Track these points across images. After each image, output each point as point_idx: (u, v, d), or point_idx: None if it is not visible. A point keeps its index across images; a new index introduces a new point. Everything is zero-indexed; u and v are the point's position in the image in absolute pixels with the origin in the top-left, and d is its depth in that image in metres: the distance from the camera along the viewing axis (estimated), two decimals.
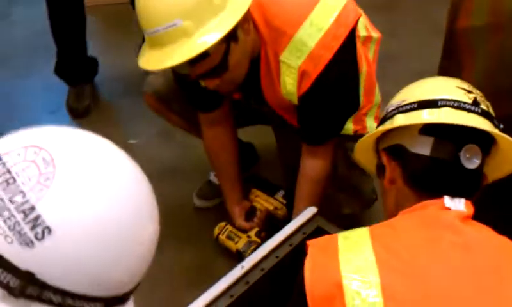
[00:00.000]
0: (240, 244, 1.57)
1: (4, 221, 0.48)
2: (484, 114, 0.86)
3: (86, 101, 2.25)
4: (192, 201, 1.83)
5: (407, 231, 0.79)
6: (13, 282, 0.47)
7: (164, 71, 1.58)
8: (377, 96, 1.58)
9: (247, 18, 1.20)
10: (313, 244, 0.83)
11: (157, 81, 1.61)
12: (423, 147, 0.86)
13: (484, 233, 0.79)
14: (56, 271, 0.48)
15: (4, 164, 0.50)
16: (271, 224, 1.64)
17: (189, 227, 1.76)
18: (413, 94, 0.91)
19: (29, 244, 0.47)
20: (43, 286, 0.48)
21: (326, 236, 0.86)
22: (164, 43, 1.14)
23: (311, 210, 1.35)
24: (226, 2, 1.15)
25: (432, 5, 2.61)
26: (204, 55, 1.15)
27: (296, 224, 1.31)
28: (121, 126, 2.24)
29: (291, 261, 1.27)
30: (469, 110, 0.85)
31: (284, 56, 1.25)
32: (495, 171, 0.92)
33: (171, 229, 1.75)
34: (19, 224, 0.48)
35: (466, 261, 0.75)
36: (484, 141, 0.86)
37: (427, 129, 0.86)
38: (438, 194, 0.83)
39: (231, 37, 1.18)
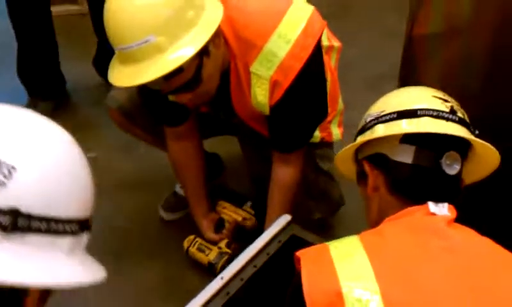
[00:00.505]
0: (212, 255, 1.57)
1: None
2: (461, 121, 0.91)
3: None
4: (158, 213, 1.82)
5: (396, 239, 0.82)
6: (3, 220, 0.58)
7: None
8: (340, 104, 1.63)
9: (218, 32, 1.22)
10: (305, 256, 0.83)
11: (121, 96, 1.59)
12: (405, 155, 0.90)
13: (468, 236, 0.84)
14: (33, 200, 0.60)
15: None
16: (240, 235, 1.65)
17: (156, 241, 1.74)
18: (391, 104, 0.95)
19: (1, 184, 0.59)
20: (29, 217, 0.60)
21: (316, 247, 0.87)
22: (137, 59, 1.14)
23: (285, 218, 1.37)
24: (198, 18, 1.16)
25: (382, 11, 2.73)
26: (178, 70, 1.16)
27: (272, 232, 1.33)
28: (79, 138, 2.16)
29: (268, 270, 1.30)
30: (447, 119, 0.89)
31: (254, 67, 1.27)
32: (472, 175, 0.97)
33: (137, 243, 1.74)
34: None
35: (454, 263, 0.78)
36: (462, 147, 0.91)
37: (408, 138, 0.90)
38: (422, 201, 0.87)
39: (204, 52, 1.19)
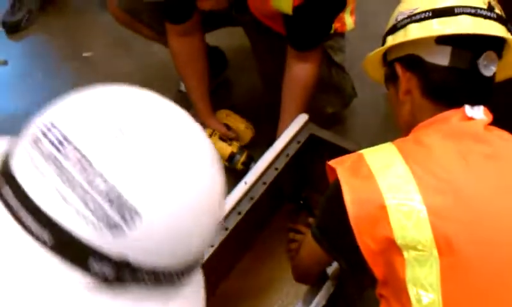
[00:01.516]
0: (234, 147, 1.56)
1: (90, 210, 0.46)
2: (499, 18, 0.87)
3: (19, 14, 2.07)
4: None
5: (435, 146, 0.81)
6: (108, 271, 0.47)
7: None
8: None
9: None
10: (342, 167, 0.83)
11: None
12: (441, 57, 0.86)
13: (509, 140, 0.84)
14: (148, 252, 0.48)
15: (74, 146, 0.47)
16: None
17: None
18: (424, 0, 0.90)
19: (118, 229, 0.46)
20: (138, 269, 0.48)
21: (351, 157, 0.87)
22: None
23: (303, 117, 1.37)
24: None
25: None
26: None
27: (290, 133, 1.33)
28: (73, 37, 2.09)
29: (288, 172, 1.31)
30: (485, 17, 0.86)
31: None
32: (502, 72, 0.94)
33: None
34: (105, 211, 0.46)
35: (499, 171, 0.79)
36: (499, 46, 0.88)
37: (444, 38, 0.86)
38: (457, 104, 0.86)
39: None
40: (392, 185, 0.77)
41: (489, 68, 0.86)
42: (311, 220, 1.44)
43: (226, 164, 1.56)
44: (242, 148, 1.57)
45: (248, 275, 1.37)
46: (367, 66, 1.04)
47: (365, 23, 1.61)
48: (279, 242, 1.43)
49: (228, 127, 1.62)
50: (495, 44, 0.87)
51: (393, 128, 1.62)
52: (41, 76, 1.95)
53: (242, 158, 1.55)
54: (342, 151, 1.30)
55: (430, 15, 0.88)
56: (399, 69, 0.92)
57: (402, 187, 0.77)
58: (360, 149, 1.28)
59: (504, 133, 0.85)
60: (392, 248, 0.76)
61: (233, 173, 1.55)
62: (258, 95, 1.77)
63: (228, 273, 1.35)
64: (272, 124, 1.54)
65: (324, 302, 1.05)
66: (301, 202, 1.50)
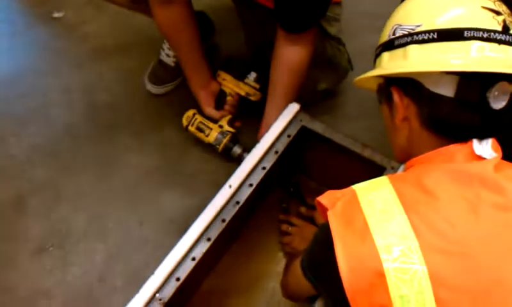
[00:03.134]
0: (212, 136, 1.49)
1: None
2: None
3: None
4: (144, 85, 1.69)
5: (441, 193, 0.72)
6: None
7: None
8: None
9: None
10: (333, 212, 0.75)
11: None
12: (446, 87, 0.76)
13: None
14: None
15: None
16: (245, 107, 1.56)
17: (147, 118, 1.64)
18: (428, 14, 0.79)
19: None
20: None
21: (344, 193, 0.78)
22: None
23: (293, 107, 1.28)
24: None
25: None
26: None
27: (280, 126, 1.25)
28: None
29: (276, 170, 1.24)
30: (500, 42, 0.75)
31: None
32: None
33: (126, 120, 1.63)
34: None
35: None
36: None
37: None
38: (462, 138, 0.77)
39: None
40: (391, 245, 0.69)
41: (499, 100, 0.76)
42: (303, 209, 1.39)
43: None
44: (222, 134, 1.48)
45: (234, 270, 1.33)
46: (357, 84, 0.94)
47: None
48: (267, 232, 1.39)
49: (224, 94, 1.53)
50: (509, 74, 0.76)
51: None
52: (8, 41, 1.82)
53: (222, 145, 1.48)
54: (332, 145, 1.25)
55: (435, 37, 0.77)
56: (395, 94, 0.83)
57: (401, 247, 0.69)
58: (355, 145, 1.23)
59: None
60: None
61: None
62: (247, 60, 1.66)
63: (212, 268, 1.31)
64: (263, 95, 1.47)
65: None
66: (291, 189, 1.44)
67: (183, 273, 1.06)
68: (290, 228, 1.36)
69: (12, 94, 1.68)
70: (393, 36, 0.83)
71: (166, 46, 1.67)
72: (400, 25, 0.82)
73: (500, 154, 0.78)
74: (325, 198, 0.80)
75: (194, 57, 1.49)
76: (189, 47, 1.48)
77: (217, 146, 1.49)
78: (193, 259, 1.08)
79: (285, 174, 1.43)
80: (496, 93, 0.76)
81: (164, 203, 1.47)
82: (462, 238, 0.69)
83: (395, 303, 0.68)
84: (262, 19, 1.42)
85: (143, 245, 1.39)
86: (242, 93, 1.52)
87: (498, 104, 0.76)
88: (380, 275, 0.69)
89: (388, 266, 0.68)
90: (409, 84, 0.80)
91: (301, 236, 1.32)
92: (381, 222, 0.72)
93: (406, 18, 0.82)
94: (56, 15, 1.86)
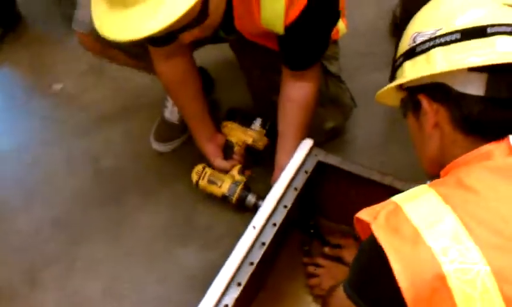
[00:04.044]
0: (225, 187, 1.47)
1: None
2: None
3: None
4: (150, 145, 1.69)
5: (487, 191, 0.72)
6: None
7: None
8: None
9: None
10: (376, 224, 0.74)
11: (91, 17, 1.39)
12: (475, 86, 0.77)
13: None
14: None
15: None
16: (253, 156, 1.56)
17: (157, 176, 1.63)
18: (447, 17, 0.81)
19: None
20: None
21: (383, 206, 0.76)
22: (136, 1, 0.95)
23: (307, 144, 1.28)
24: None
25: None
26: None
27: (296, 163, 1.25)
28: (39, 69, 1.97)
29: (296, 209, 1.23)
30: None
31: None
32: None
33: (136, 183, 1.63)
34: None
35: None
36: None
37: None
38: (496, 136, 0.77)
39: None
40: (447, 248, 0.67)
41: None
42: (327, 249, 1.37)
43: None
44: (235, 183, 1.47)
45: None
46: (379, 99, 0.95)
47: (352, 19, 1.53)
48: (292, 277, 1.36)
49: (231, 144, 1.52)
50: None
51: (397, 139, 1.58)
52: (10, 114, 1.84)
53: (235, 195, 1.46)
54: (351, 176, 1.25)
55: (458, 37, 0.78)
56: (424, 100, 0.83)
57: (458, 247, 0.67)
58: (373, 174, 1.22)
59: None
60: None
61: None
62: (250, 110, 1.68)
63: None
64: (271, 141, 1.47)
65: None
66: (311, 231, 1.42)
67: None
68: (317, 270, 1.33)
69: (18, 167, 1.68)
70: (414, 44, 0.83)
71: (169, 104, 1.68)
72: (420, 33, 0.83)
73: None
74: (364, 213, 0.78)
75: (198, 111, 1.51)
76: (193, 101, 1.50)
77: (231, 197, 1.47)
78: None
79: (304, 217, 1.41)
80: None
81: (181, 259, 1.45)
82: None
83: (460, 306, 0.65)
84: (261, 63, 1.45)
85: (165, 305, 1.35)
86: (250, 140, 1.53)
87: None
88: (441, 279, 0.66)
89: (448, 268, 0.66)
90: (436, 90, 0.81)
91: (330, 276, 1.29)
92: (430, 225, 0.70)
93: (424, 25, 0.83)
94: (56, 86, 1.89)
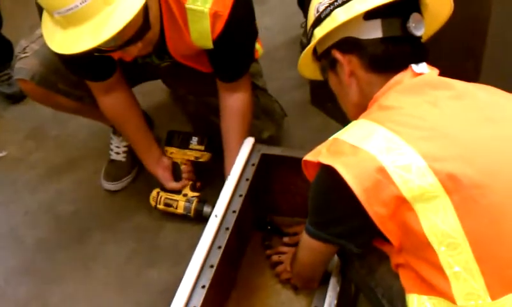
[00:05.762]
0: (180, 207, 1.62)
1: None
2: None
3: None
4: (102, 188, 1.80)
5: (404, 104, 0.90)
6: None
7: (37, 51, 1.52)
8: None
9: None
10: (321, 156, 0.90)
11: (31, 63, 1.52)
12: (373, 31, 0.96)
13: (462, 82, 0.95)
14: None
15: None
16: (202, 168, 1.70)
17: (115, 213, 1.74)
18: None
19: None
20: None
21: (323, 145, 0.93)
22: (84, 19, 1.11)
23: (249, 141, 1.46)
24: None
25: None
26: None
27: (243, 157, 1.41)
28: None
29: (250, 199, 1.39)
30: None
31: (190, 2, 1.29)
32: (427, 30, 1.05)
33: (97, 223, 1.71)
34: None
35: (472, 107, 0.89)
36: (418, 7, 1.00)
37: (371, 13, 0.95)
38: (401, 68, 0.96)
39: None
40: (381, 148, 0.84)
41: (418, 28, 0.98)
42: (286, 239, 1.49)
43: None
44: (189, 201, 1.62)
45: None
46: (301, 68, 1.13)
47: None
48: (260, 272, 1.47)
49: (177, 165, 1.67)
50: (414, 6, 0.99)
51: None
52: None
53: (192, 211, 1.61)
54: (294, 163, 1.41)
55: None
56: (337, 53, 1.00)
57: (390, 146, 0.84)
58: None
59: (455, 80, 0.96)
60: (401, 206, 0.83)
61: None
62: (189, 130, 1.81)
63: None
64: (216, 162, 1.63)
65: (335, 302, 1.11)
66: (269, 227, 1.57)
67: None
68: (280, 257, 1.45)
69: None
70: (318, 13, 1.02)
71: (113, 145, 1.82)
72: (320, 3, 1.02)
73: (438, 71, 0.98)
74: (310, 155, 0.95)
75: (143, 137, 1.67)
76: (137, 128, 1.65)
77: (189, 214, 1.62)
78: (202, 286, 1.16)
79: (259, 217, 1.57)
80: (413, 24, 0.97)
81: (153, 278, 1.54)
82: (435, 125, 0.87)
83: (401, 188, 0.82)
84: (194, 90, 1.64)
85: None
86: (192, 159, 1.68)
87: (418, 31, 0.98)
88: (381, 170, 0.83)
89: (386, 161, 0.83)
90: (345, 43, 1.00)
91: None
92: (365, 138, 0.87)
93: None
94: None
